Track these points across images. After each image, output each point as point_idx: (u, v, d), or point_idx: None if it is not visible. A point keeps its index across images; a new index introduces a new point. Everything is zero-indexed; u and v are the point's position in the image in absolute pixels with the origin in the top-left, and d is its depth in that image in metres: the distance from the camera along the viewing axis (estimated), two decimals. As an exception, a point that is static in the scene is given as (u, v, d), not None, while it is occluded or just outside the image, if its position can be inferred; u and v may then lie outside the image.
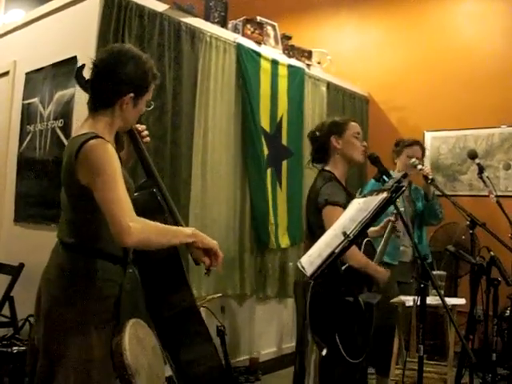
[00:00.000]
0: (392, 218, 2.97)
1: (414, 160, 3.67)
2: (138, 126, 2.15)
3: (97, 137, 1.76)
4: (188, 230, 1.87)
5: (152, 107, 2.02)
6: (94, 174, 1.71)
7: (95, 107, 1.89)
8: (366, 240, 2.75)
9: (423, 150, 3.88)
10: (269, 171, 4.42)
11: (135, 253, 1.97)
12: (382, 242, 2.89)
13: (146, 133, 2.18)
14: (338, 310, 2.45)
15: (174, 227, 1.91)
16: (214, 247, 1.93)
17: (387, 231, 2.91)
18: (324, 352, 2.41)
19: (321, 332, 2.48)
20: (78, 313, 1.78)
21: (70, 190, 1.83)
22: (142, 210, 1.99)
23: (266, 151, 4.38)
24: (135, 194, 2.03)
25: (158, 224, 1.78)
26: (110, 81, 1.84)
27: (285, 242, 4.54)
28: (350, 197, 2.78)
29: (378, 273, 2.70)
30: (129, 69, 1.85)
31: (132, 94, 1.85)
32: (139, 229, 1.67)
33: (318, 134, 2.94)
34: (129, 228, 1.64)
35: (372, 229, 3.06)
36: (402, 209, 3.00)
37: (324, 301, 2.40)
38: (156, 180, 2.19)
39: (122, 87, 1.84)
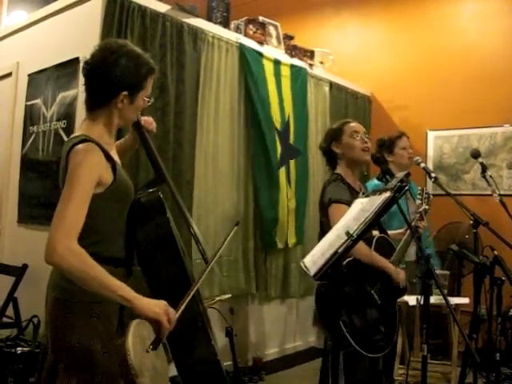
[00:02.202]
0: (417, 216, 2.97)
1: (417, 158, 3.68)
2: (144, 118, 2.12)
3: (85, 141, 1.73)
4: (127, 294, 1.65)
5: (151, 102, 1.95)
6: (67, 179, 1.68)
7: (91, 107, 1.86)
8: (377, 237, 2.76)
9: (408, 137, 3.90)
10: (282, 170, 4.43)
11: (138, 255, 1.95)
12: (401, 245, 2.85)
13: (153, 125, 2.16)
14: (348, 305, 2.46)
15: (117, 286, 1.64)
16: (156, 318, 1.67)
17: (405, 238, 2.90)
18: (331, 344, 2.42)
19: (331, 327, 2.49)
20: (81, 316, 1.77)
21: None
22: (144, 210, 1.99)
23: (279, 149, 4.40)
24: (138, 193, 2.03)
25: (95, 268, 1.61)
26: (103, 80, 1.79)
27: (292, 241, 4.55)
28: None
29: (389, 268, 2.68)
30: (121, 66, 1.78)
31: (126, 92, 1.80)
32: (65, 256, 1.57)
33: (323, 144, 3.04)
34: (54, 249, 1.57)
35: (394, 232, 3.06)
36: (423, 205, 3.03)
37: (332, 296, 2.42)
38: (163, 175, 2.19)
39: (114, 86, 1.79)
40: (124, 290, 1.65)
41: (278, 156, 4.40)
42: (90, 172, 1.70)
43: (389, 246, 2.83)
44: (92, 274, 1.61)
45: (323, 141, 3.05)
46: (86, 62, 1.84)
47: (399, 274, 2.71)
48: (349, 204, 2.69)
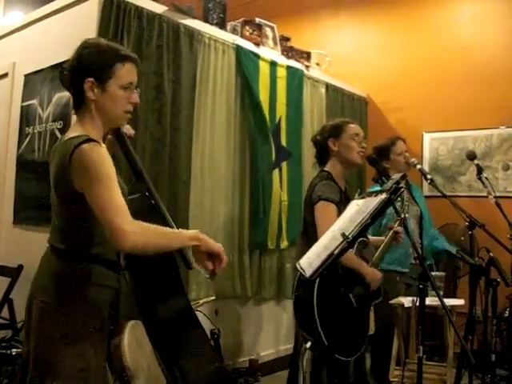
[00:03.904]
0: (395, 225, 2.97)
1: (413, 160, 3.70)
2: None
3: (89, 140, 1.70)
4: (191, 232, 1.79)
5: (138, 93, 1.90)
6: (90, 180, 1.65)
7: (74, 106, 1.87)
8: (359, 240, 2.75)
9: (404, 141, 3.90)
10: (276, 172, 4.44)
11: (127, 258, 1.91)
12: (381, 248, 2.86)
13: (131, 131, 2.16)
14: (326, 308, 2.45)
15: (176, 230, 1.83)
16: (219, 250, 1.83)
17: (387, 238, 2.90)
18: (308, 344, 2.41)
19: (308, 329, 2.48)
20: (72, 320, 1.72)
21: (62, 194, 1.78)
22: (136, 213, 1.99)
23: (273, 151, 4.41)
24: (128, 198, 2.02)
25: (158, 226, 1.70)
26: (70, 71, 1.82)
27: (284, 242, 4.54)
28: (348, 198, 2.80)
29: (367, 275, 2.67)
30: (84, 54, 1.82)
31: (91, 79, 1.77)
32: (137, 232, 1.61)
33: (318, 137, 3.03)
34: (124, 232, 1.58)
35: (375, 238, 3.06)
36: (403, 213, 3.03)
37: (311, 299, 2.41)
38: (145, 181, 2.16)
39: (79, 73, 1.79)
40: (188, 233, 1.79)
41: (273, 158, 4.39)
42: (109, 165, 1.69)
43: (367, 250, 2.84)
44: (164, 235, 1.74)
45: (319, 134, 3.04)
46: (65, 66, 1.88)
47: (375, 276, 2.70)
48: (337, 204, 2.70)
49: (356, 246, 2.69)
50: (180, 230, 1.83)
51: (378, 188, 3.44)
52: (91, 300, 1.77)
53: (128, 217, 1.63)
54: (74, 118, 3.22)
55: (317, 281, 2.42)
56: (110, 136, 2.07)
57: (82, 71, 1.79)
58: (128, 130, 2.14)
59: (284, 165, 4.59)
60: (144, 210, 2.00)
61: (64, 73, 1.87)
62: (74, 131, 1.80)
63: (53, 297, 1.74)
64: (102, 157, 1.68)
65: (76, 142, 1.70)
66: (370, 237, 2.99)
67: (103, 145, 1.84)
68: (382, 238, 3.00)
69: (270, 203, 4.36)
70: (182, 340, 1.99)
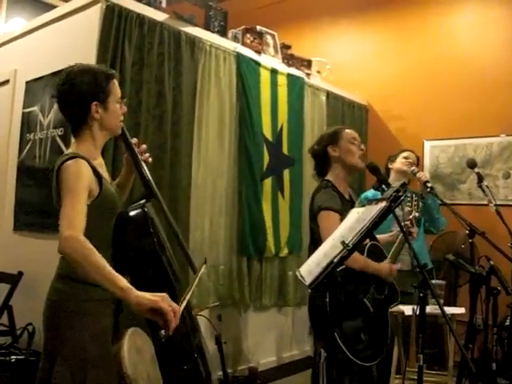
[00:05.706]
0: (408, 223, 2.98)
1: (413, 168, 3.72)
2: (136, 141, 2.23)
3: (74, 157, 1.87)
4: (123, 284, 1.65)
5: (125, 100, 2.10)
6: (63, 190, 1.82)
7: (73, 129, 2.01)
8: (370, 244, 2.75)
9: (417, 157, 3.92)
10: (269, 180, 4.41)
11: (126, 263, 2.02)
12: (397, 243, 2.88)
13: (146, 154, 2.26)
14: (340, 313, 2.45)
15: (113, 274, 1.67)
16: (156, 306, 1.61)
17: (399, 238, 2.91)
18: (323, 353, 2.41)
19: (323, 335, 2.48)
20: (72, 314, 1.87)
21: (59, 207, 1.91)
22: (129, 224, 2.05)
23: (266, 160, 4.38)
24: (129, 207, 2.12)
25: (99, 259, 1.68)
26: (73, 102, 1.96)
27: (284, 250, 4.53)
28: (351, 204, 2.80)
29: (380, 271, 2.70)
30: (83, 83, 1.95)
31: (96, 102, 1.95)
32: (67, 243, 1.68)
33: (316, 147, 3.03)
34: (62, 236, 1.69)
35: (383, 236, 3.07)
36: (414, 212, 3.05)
37: (326, 306, 2.41)
38: (152, 189, 2.23)
39: (85, 102, 1.95)
40: (118, 282, 1.64)
41: (265, 167, 4.35)
42: (82, 177, 1.85)
43: (380, 253, 2.84)
44: (92, 259, 1.67)
45: (316, 144, 3.05)
46: (54, 96, 2.02)
47: (391, 271, 2.72)
48: (339, 212, 2.70)
49: (366, 251, 2.70)
50: (119, 276, 1.68)
51: (371, 193, 3.46)
52: (87, 296, 1.90)
53: (74, 228, 1.71)
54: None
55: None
56: (126, 155, 2.24)
57: (88, 98, 1.95)
58: (145, 155, 2.24)
59: (286, 173, 4.59)
60: (135, 220, 2.09)
61: (58, 98, 2.01)
62: (70, 149, 2.00)
63: (55, 293, 1.92)
64: (78, 171, 1.84)
65: (61, 160, 1.89)
66: (378, 236, 2.99)
67: (101, 159, 2.07)
68: (388, 235, 3.03)
69: (261, 211, 4.31)
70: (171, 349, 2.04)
